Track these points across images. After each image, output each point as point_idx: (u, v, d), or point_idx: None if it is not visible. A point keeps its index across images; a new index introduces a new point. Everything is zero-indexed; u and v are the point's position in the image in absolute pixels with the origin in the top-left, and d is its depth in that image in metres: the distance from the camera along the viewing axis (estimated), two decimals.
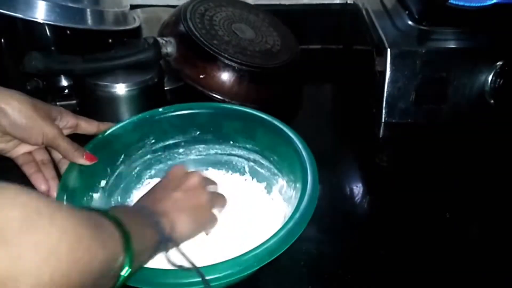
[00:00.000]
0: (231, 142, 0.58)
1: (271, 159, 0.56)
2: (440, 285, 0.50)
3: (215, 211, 0.50)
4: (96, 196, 0.52)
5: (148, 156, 0.58)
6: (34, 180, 0.51)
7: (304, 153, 0.49)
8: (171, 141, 0.59)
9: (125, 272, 0.34)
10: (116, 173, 0.55)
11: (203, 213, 0.48)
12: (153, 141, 0.58)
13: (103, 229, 0.33)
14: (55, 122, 0.51)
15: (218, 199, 0.51)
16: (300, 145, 0.50)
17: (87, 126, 0.54)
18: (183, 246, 0.45)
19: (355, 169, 0.69)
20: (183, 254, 0.40)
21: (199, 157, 0.60)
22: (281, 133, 0.53)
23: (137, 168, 0.58)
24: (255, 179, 0.59)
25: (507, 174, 0.63)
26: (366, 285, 0.50)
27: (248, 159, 0.59)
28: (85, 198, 0.50)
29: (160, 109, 0.57)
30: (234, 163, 0.60)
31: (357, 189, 0.63)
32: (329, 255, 0.53)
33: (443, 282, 0.50)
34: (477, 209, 0.59)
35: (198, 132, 0.58)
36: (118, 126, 0.55)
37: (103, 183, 0.53)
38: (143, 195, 0.47)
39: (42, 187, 0.50)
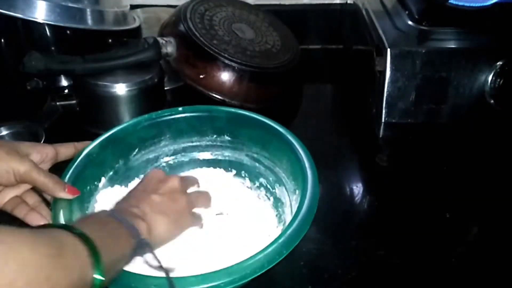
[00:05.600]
0: (246, 150, 0.58)
1: (281, 173, 0.54)
2: (440, 285, 0.50)
3: (201, 210, 0.49)
4: (100, 184, 0.53)
5: (164, 151, 0.59)
6: (31, 220, 0.47)
7: (309, 174, 0.48)
8: (186, 141, 0.59)
9: (98, 279, 0.33)
10: (128, 165, 0.56)
11: (182, 216, 0.47)
12: (169, 138, 0.58)
13: (66, 251, 0.32)
14: (31, 156, 0.48)
15: (200, 198, 0.50)
16: (307, 164, 0.49)
17: (66, 150, 0.52)
18: (167, 249, 0.45)
19: (355, 169, 0.69)
20: (157, 259, 0.39)
21: (212, 157, 0.60)
22: (292, 150, 0.51)
23: (149, 162, 0.58)
24: (259, 189, 0.58)
25: (507, 174, 0.63)
26: (366, 285, 0.50)
27: (258, 168, 0.58)
28: (88, 187, 0.51)
29: (180, 108, 0.58)
30: (244, 169, 0.59)
31: (357, 189, 0.63)
32: (329, 255, 0.53)
33: (443, 282, 0.50)
34: (477, 209, 0.59)
35: (214, 135, 0.58)
36: (134, 121, 0.56)
37: (111, 172, 0.54)
38: (120, 199, 0.46)
39: (42, 223, 0.47)
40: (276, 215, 0.54)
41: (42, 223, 0.47)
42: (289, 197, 0.52)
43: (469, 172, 0.64)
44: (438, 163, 0.65)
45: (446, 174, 0.64)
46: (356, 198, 0.62)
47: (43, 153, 0.49)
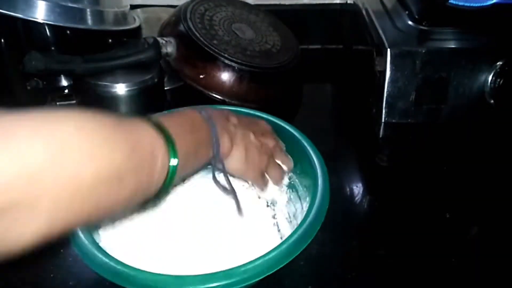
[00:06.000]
0: None
1: (296, 178, 0.54)
2: (440, 285, 0.50)
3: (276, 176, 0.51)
4: None
5: None
6: None
7: (320, 185, 0.46)
8: None
9: (174, 162, 0.35)
10: None
11: (255, 170, 0.48)
12: None
13: (136, 131, 0.33)
14: None
15: (277, 169, 0.51)
16: (320, 173, 0.48)
17: None
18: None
19: (355, 169, 0.69)
20: (229, 181, 0.43)
21: None
22: (306, 156, 0.51)
23: None
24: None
25: (507, 174, 0.63)
26: (366, 285, 0.50)
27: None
28: None
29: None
30: None
31: (357, 189, 0.63)
32: (329, 255, 0.53)
33: (443, 282, 0.50)
34: (477, 209, 0.59)
35: None
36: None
37: None
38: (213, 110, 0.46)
39: None
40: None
41: None
42: (302, 203, 0.51)
43: (469, 172, 0.64)
44: (438, 163, 0.65)
45: (446, 174, 0.64)
46: (356, 198, 0.62)
47: None
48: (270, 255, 0.39)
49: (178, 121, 0.39)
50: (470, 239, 0.56)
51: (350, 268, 0.51)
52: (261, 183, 0.50)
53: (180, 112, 0.44)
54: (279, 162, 0.51)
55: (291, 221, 0.52)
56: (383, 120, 0.63)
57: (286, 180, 0.53)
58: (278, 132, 0.54)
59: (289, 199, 0.54)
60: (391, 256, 0.53)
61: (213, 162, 0.42)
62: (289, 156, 0.53)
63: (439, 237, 0.55)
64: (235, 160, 0.45)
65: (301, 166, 0.52)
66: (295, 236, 0.41)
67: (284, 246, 0.40)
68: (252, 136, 0.47)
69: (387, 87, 0.61)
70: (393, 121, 0.63)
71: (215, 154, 0.42)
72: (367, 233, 0.56)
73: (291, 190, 0.53)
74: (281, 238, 0.51)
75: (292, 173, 0.53)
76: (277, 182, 0.52)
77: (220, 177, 0.44)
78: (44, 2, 0.67)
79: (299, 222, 0.43)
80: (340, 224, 0.57)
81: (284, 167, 0.52)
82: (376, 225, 0.58)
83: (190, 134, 0.39)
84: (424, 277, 0.51)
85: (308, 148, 0.51)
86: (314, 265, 0.51)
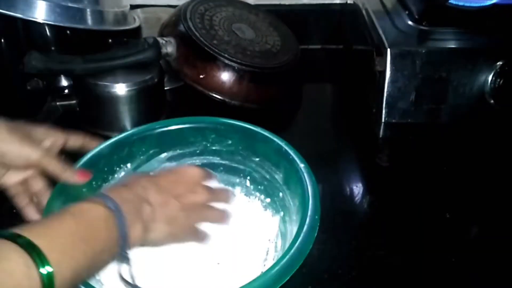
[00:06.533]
0: (260, 166, 0.55)
1: (286, 194, 0.52)
2: (440, 285, 0.50)
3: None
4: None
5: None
6: (26, 214, 0.49)
7: (310, 207, 0.45)
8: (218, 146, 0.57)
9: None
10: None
11: (186, 234, 0.45)
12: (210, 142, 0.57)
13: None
14: (43, 143, 0.49)
15: (224, 193, 0.49)
16: (311, 196, 0.46)
17: (75, 140, 0.53)
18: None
19: (355, 169, 0.69)
20: (132, 278, 0.38)
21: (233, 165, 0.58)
22: (298, 174, 0.49)
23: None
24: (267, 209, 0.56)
25: (507, 174, 0.63)
26: (366, 285, 0.50)
27: (264, 187, 0.56)
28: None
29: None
30: (248, 184, 0.57)
31: (357, 189, 0.63)
32: (329, 255, 0.53)
33: (443, 282, 0.50)
34: (477, 209, 0.59)
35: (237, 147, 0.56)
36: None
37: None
38: (143, 175, 0.44)
39: (35, 218, 0.48)
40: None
41: (35, 218, 0.48)
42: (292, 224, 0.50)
43: (469, 172, 0.64)
44: (438, 163, 0.65)
45: (446, 174, 0.64)
46: (356, 198, 0.62)
47: (54, 139, 0.51)
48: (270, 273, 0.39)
49: (67, 230, 0.34)
50: (470, 239, 0.56)
51: (350, 268, 0.51)
52: (197, 238, 0.47)
53: (76, 213, 0.36)
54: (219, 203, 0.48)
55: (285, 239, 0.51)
56: (383, 120, 0.63)
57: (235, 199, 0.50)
58: (272, 148, 0.53)
59: (282, 219, 0.53)
60: (391, 256, 0.53)
61: (118, 259, 0.38)
62: (226, 187, 0.51)
63: (439, 237, 0.55)
64: (158, 234, 0.41)
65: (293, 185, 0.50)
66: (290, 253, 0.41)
67: (284, 261, 0.41)
68: (173, 204, 0.43)
69: (387, 87, 0.61)
70: (393, 121, 0.63)
71: (121, 250, 0.37)
72: (367, 233, 0.56)
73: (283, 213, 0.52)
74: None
75: (284, 191, 0.52)
76: (221, 220, 0.48)
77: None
78: (44, 2, 0.67)
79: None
80: (340, 224, 0.57)
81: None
82: (376, 225, 0.58)
83: (83, 245, 0.34)
84: (424, 277, 0.51)
85: (297, 160, 0.49)
86: (314, 265, 0.51)
